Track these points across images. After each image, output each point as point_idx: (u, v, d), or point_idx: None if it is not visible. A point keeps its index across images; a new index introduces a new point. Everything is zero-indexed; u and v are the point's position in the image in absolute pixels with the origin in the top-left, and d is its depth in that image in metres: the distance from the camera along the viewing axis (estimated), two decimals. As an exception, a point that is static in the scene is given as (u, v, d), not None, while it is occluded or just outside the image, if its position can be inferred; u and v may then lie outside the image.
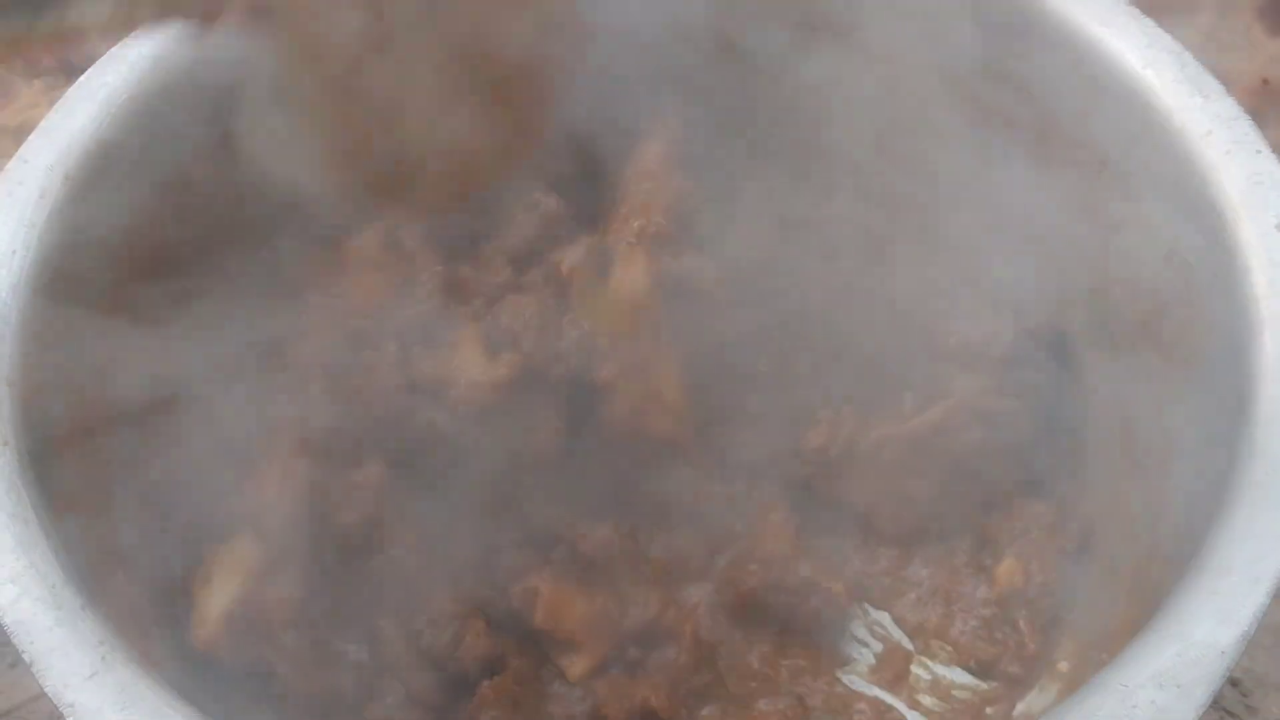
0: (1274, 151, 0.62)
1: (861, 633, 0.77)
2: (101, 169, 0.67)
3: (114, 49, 0.71)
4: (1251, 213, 0.59)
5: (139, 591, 0.65)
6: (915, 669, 0.76)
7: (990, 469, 0.76)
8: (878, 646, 0.77)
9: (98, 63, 0.70)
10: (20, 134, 0.67)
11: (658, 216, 0.74)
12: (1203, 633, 0.46)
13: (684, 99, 0.79)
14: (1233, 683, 0.89)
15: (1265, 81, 1.27)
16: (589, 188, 0.82)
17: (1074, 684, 0.66)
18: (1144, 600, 0.57)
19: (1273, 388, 0.54)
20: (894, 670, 0.75)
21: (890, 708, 0.74)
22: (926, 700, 0.75)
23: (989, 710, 0.73)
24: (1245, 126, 0.62)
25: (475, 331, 0.74)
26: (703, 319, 0.75)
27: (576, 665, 0.71)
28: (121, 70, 0.70)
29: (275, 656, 0.69)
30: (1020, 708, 0.72)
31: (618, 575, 0.75)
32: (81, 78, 0.69)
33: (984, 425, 0.74)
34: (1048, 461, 0.77)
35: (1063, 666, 0.71)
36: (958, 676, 0.76)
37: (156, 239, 0.69)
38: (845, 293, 0.79)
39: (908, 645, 0.77)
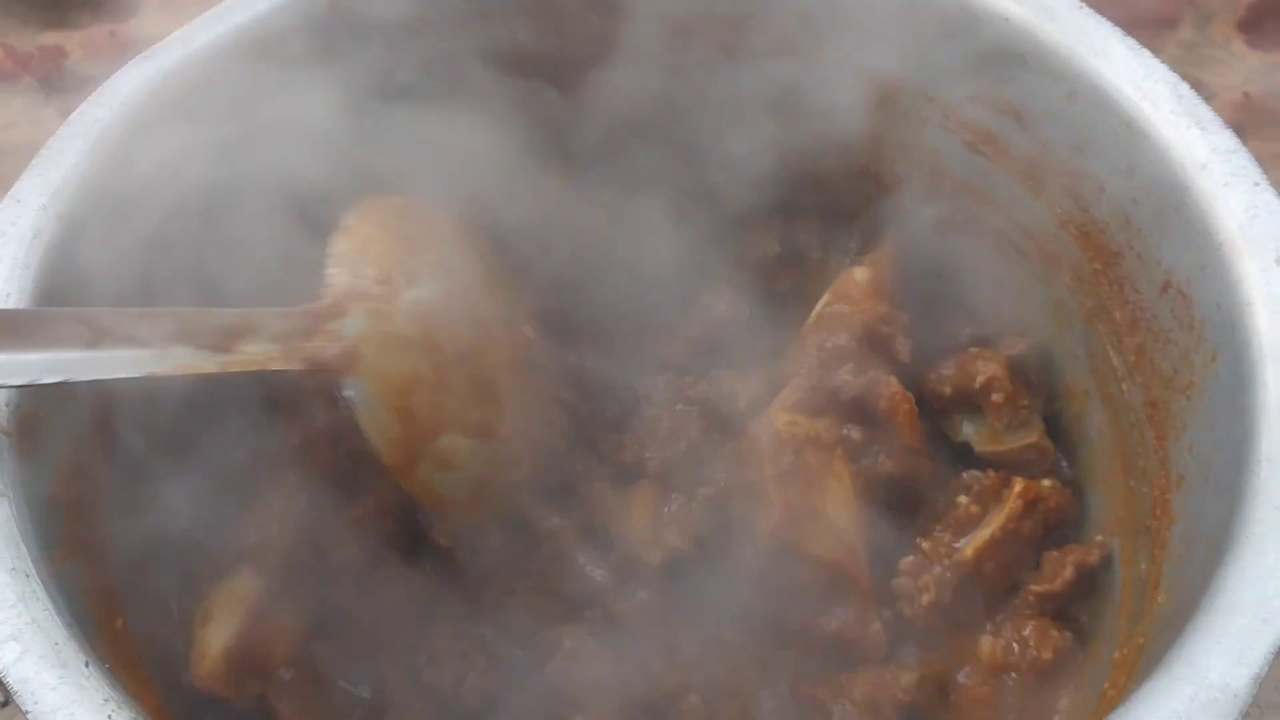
0: (1259, 164, 0.62)
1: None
2: (95, 208, 0.66)
3: (106, 82, 0.71)
4: (1251, 246, 0.59)
5: (140, 635, 0.65)
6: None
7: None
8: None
9: (90, 97, 0.70)
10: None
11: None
12: (1216, 675, 0.46)
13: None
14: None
15: (1246, 95, 1.28)
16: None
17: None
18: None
19: (1274, 427, 0.53)
20: None
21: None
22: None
23: None
24: (1243, 159, 0.62)
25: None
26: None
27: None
28: (114, 104, 0.69)
29: (276, 694, 0.68)
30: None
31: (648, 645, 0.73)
32: (74, 113, 0.68)
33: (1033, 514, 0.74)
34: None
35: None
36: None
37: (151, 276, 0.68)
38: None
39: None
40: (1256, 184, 0.61)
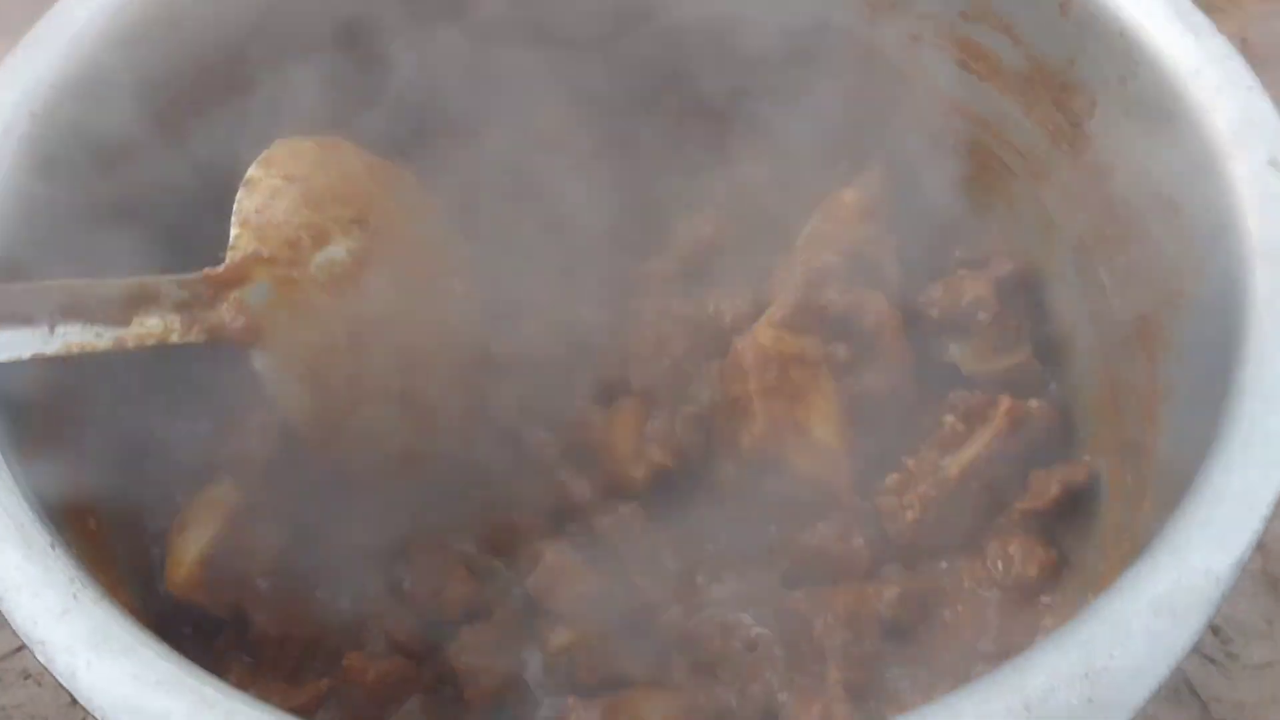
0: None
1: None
2: (69, 106, 0.65)
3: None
4: (1243, 149, 0.58)
5: (114, 541, 0.64)
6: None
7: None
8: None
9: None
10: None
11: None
12: (1198, 559, 0.45)
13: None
14: (1213, 630, 0.89)
15: (1245, 40, 1.27)
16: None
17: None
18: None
19: (1265, 323, 0.53)
20: None
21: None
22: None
23: None
24: (1237, 64, 0.61)
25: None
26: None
27: (557, 638, 0.69)
28: (90, 4, 0.68)
29: (252, 604, 0.67)
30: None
31: (630, 561, 0.72)
32: (50, 11, 0.67)
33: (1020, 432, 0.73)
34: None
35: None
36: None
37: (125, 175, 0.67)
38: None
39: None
40: (1250, 88, 0.60)
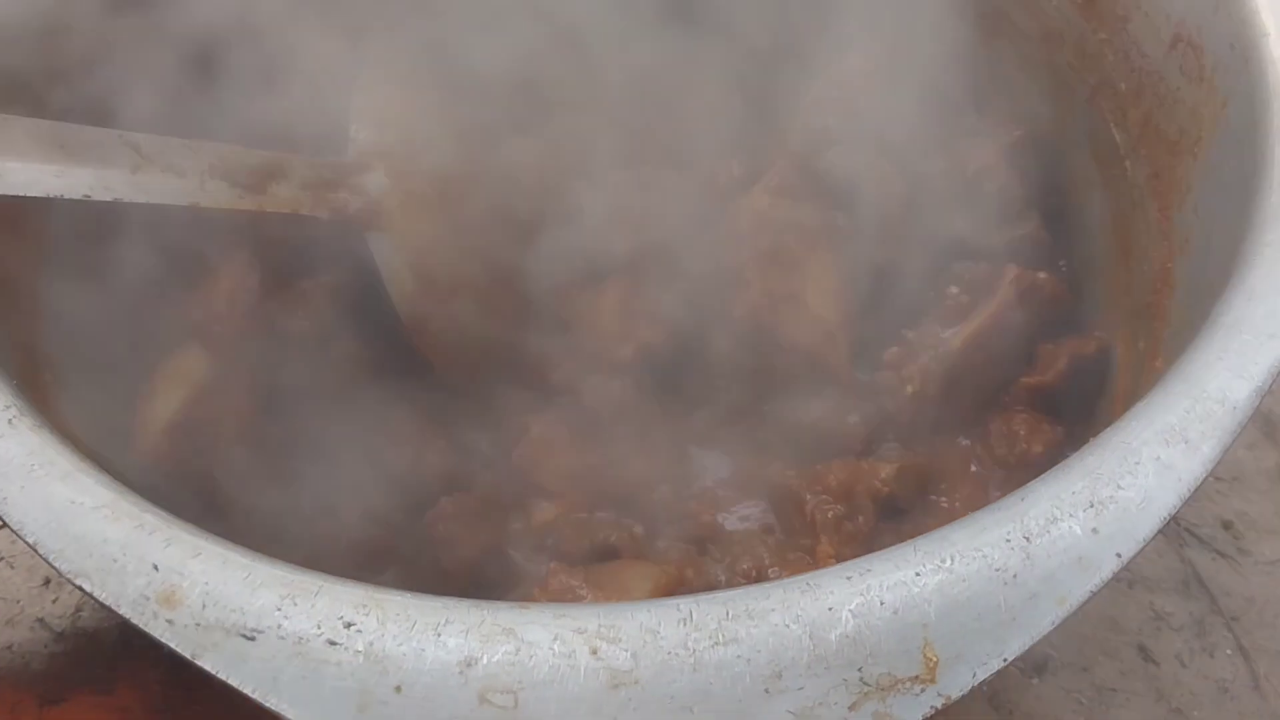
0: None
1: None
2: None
3: None
4: (1270, -22, 0.54)
5: (72, 405, 0.61)
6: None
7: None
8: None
9: None
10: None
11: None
12: (1214, 387, 0.42)
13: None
14: (1225, 525, 0.86)
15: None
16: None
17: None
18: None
19: (1289, 153, 0.49)
20: None
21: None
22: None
23: None
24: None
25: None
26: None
27: (542, 513, 0.67)
28: None
29: (222, 472, 0.64)
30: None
31: (619, 435, 0.70)
32: None
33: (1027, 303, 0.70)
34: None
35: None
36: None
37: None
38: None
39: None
40: (1279, -87, 0.55)
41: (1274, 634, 0.81)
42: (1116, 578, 0.39)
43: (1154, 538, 0.40)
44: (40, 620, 0.75)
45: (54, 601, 0.76)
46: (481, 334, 0.70)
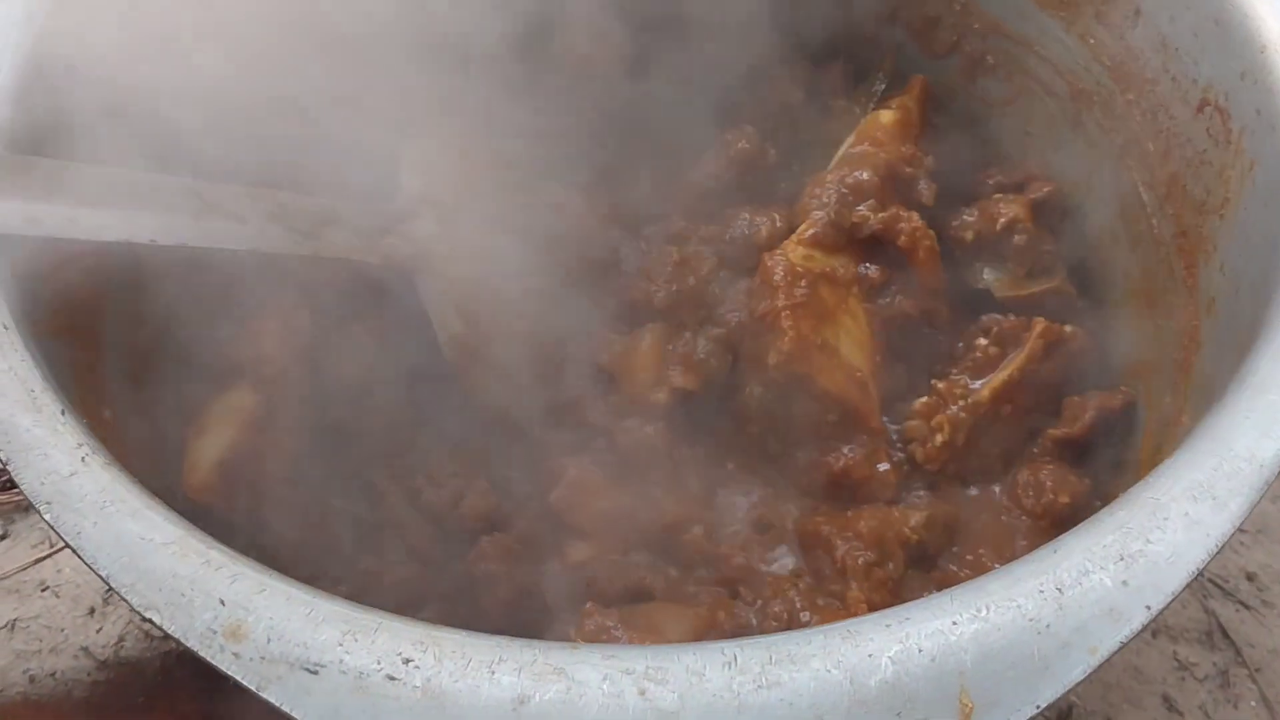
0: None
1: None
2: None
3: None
4: (1296, 43, 0.56)
5: (130, 439, 0.63)
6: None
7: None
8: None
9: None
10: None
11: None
12: (1242, 446, 0.43)
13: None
14: (1249, 577, 0.87)
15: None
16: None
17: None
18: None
19: (1316, 216, 0.51)
20: None
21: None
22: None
23: None
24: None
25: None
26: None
27: (577, 553, 0.68)
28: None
29: (269, 510, 0.66)
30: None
31: (653, 479, 0.71)
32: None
33: (1054, 356, 0.72)
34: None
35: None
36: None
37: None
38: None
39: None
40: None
41: (1298, 686, 0.82)
42: (1154, 619, 0.40)
43: (1182, 591, 0.41)
44: (84, 649, 0.77)
45: (98, 631, 0.78)
46: (522, 376, 0.72)
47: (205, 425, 0.68)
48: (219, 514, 0.66)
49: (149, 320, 0.67)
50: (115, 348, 0.63)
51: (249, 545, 0.66)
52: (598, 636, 0.62)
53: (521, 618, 0.66)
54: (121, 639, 0.78)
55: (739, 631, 0.65)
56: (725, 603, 0.67)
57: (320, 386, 0.70)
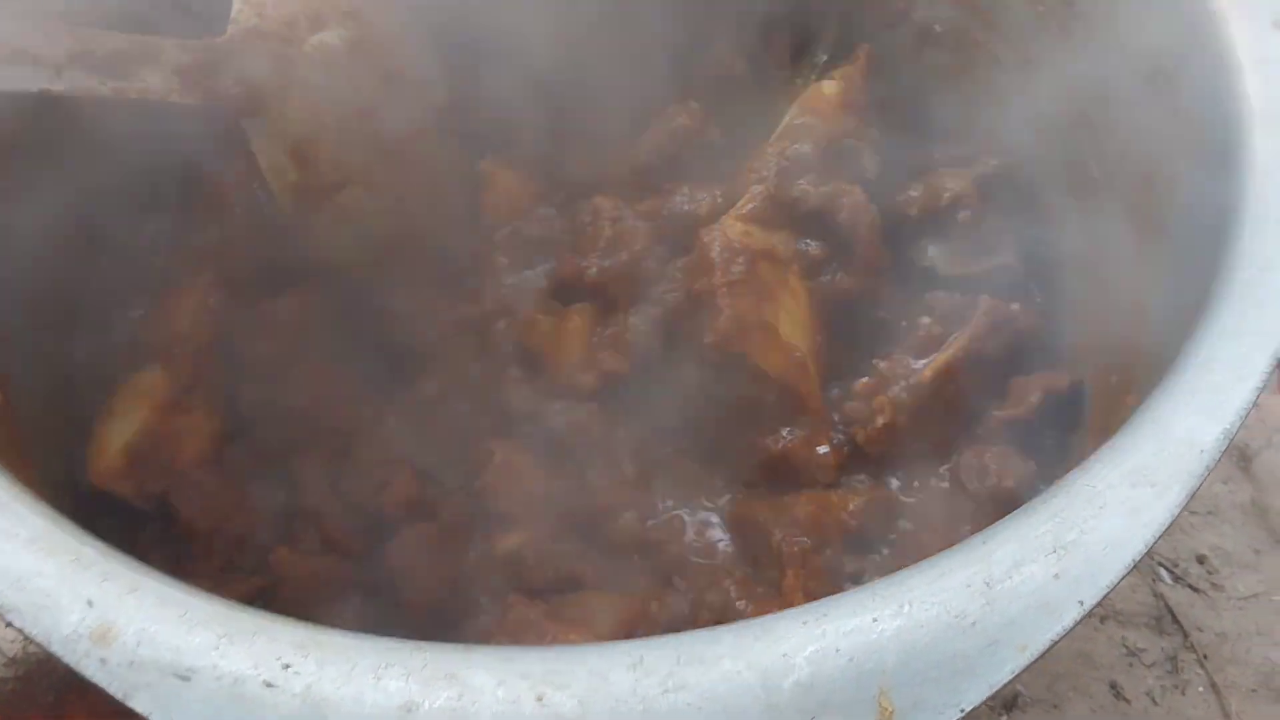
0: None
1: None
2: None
3: None
4: (1246, 11, 0.54)
5: (29, 420, 0.60)
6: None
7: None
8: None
9: None
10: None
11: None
12: (1182, 429, 0.41)
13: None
14: (1199, 559, 0.86)
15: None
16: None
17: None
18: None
19: (1263, 190, 0.49)
20: None
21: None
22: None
23: None
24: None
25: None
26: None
27: (506, 541, 0.65)
28: None
29: (180, 496, 0.63)
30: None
31: (584, 463, 0.68)
32: None
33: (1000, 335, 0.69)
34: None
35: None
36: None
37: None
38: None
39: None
40: (1254, -52, 0.55)
41: (1246, 670, 0.80)
42: (1089, 613, 0.38)
43: (1119, 584, 0.39)
44: (-8, 645, 0.73)
45: (5, 626, 0.74)
46: (382, 228, 0.68)
47: (113, 409, 0.65)
48: (127, 502, 0.63)
49: (50, 299, 0.63)
50: (9, 329, 0.60)
51: (160, 536, 0.64)
52: (522, 630, 0.59)
53: (446, 611, 0.63)
54: (31, 634, 0.74)
55: (672, 623, 0.63)
56: (658, 592, 0.64)
57: (235, 367, 0.67)
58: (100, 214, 0.67)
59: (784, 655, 0.36)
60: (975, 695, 0.36)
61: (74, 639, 0.37)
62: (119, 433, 0.64)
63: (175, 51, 0.60)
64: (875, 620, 0.37)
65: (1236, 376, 0.43)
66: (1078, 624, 0.37)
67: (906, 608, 0.37)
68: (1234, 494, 0.89)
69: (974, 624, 0.37)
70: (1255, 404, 0.42)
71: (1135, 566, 0.39)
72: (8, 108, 0.59)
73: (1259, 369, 0.43)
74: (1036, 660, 0.37)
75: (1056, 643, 0.37)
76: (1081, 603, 0.38)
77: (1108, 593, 0.39)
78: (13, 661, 0.72)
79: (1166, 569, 0.85)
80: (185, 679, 0.35)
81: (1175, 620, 0.82)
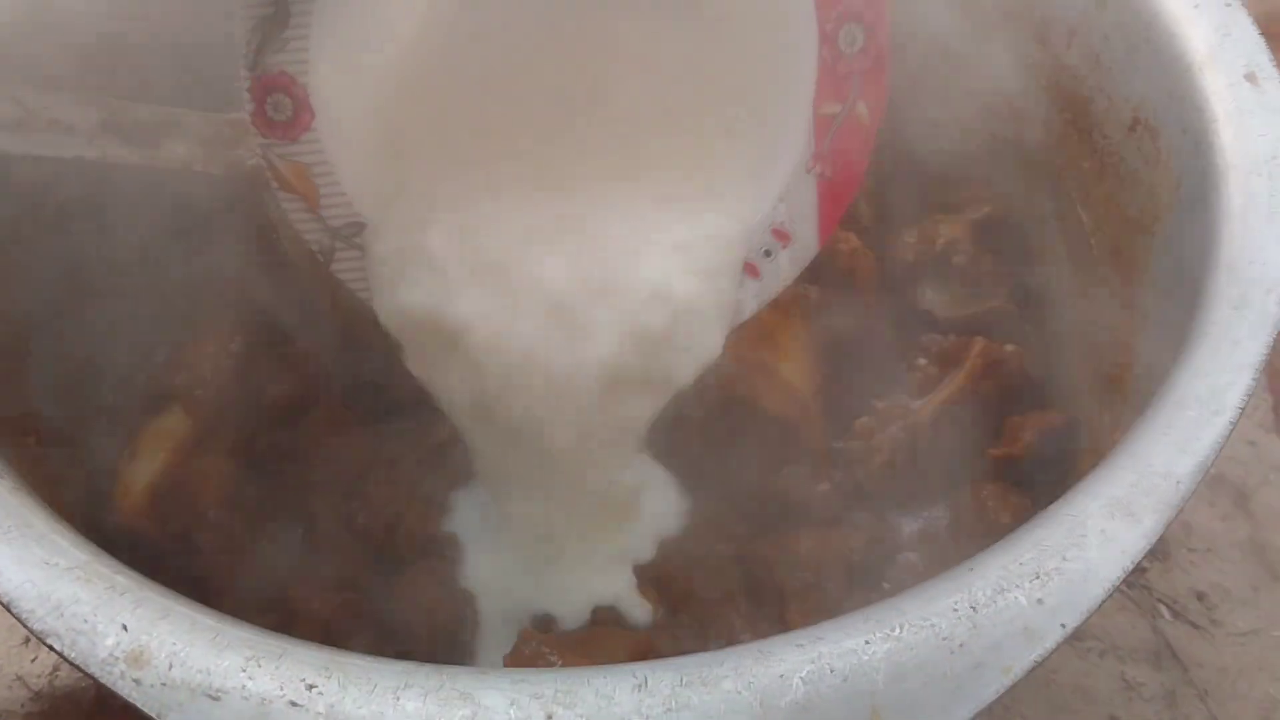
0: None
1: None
2: None
3: None
4: (1220, 65, 0.57)
5: (57, 463, 0.62)
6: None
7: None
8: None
9: None
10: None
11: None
12: (1159, 462, 0.43)
13: None
14: (1198, 596, 0.87)
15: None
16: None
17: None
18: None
19: (1236, 232, 0.51)
20: None
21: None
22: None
23: None
24: (1215, -18, 0.59)
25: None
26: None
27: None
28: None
29: (202, 534, 0.66)
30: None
31: None
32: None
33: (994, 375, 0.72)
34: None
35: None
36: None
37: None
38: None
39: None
40: (1228, 4, 0.58)
41: (1246, 706, 0.81)
42: (1087, 647, 0.40)
43: (1098, 608, 0.41)
44: (19, 678, 0.75)
45: (33, 660, 0.77)
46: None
47: (137, 450, 0.68)
48: (152, 540, 0.66)
49: (79, 343, 0.66)
50: (42, 373, 0.63)
51: (181, 574, 0.66)
52: (533, 663, 0.61)
53: (458, 643, 0.65)
54: (56, 669, 0.76)
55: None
56: (666, 626, 0.66)
57: (254, 409, 0.69)
58: (125, 264, 0.69)
59: (781, 676, 0.38)
60: (962, 713, 0.38)
61: (110, 661, 0.39)
62: (143, 473, 0.67)
63: (199, 124, 0.63)
64: (868, 643, 0.39)
65: (1212, 411, 0.45)
66: (1059, 646, 0.39)
67: (897, 630, 0.39)
68: (1232, 531, 0.91)
69: (961, 646, 0.39)
70: (1230, 437, 0.45)
71: (1114, 591, 0.41)
72: (51, 172, 0.63)
73: (1232, 405, 0.45)
74: (1019, 680, 0.39)
75: (1039, 664, 0.39)
76: (1064, 626, 0.40)
77: (1088, 617, 0.41)
78: (38, 696, 0.74)
79: (1166, 605, 0.87)
80: (215, 699, 0.38)
81: (1174, 656, 0.83)
